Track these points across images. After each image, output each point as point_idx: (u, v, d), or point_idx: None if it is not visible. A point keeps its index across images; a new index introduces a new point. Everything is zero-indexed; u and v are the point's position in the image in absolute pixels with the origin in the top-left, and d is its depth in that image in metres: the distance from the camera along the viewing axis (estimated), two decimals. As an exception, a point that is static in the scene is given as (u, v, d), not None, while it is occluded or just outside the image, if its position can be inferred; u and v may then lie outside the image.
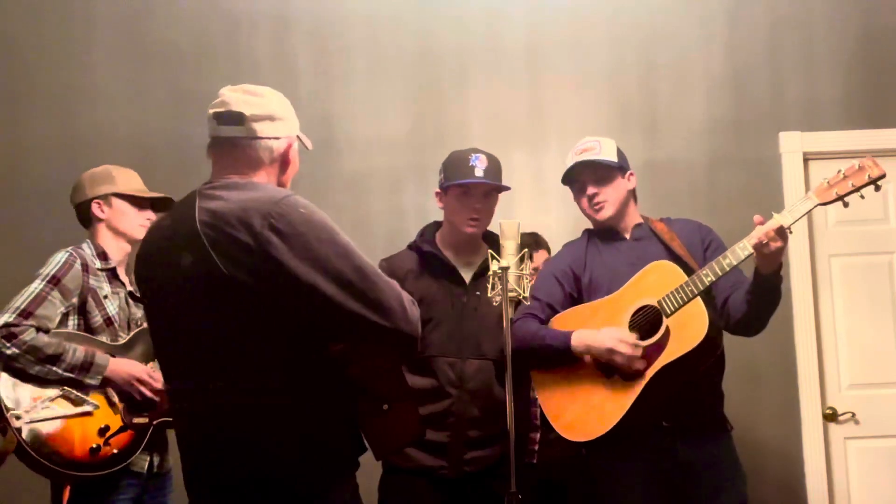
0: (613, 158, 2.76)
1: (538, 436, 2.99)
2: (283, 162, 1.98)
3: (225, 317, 1.81)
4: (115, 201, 2.84)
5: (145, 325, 2.84)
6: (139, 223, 2.85)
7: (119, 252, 2.85)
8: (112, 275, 2.82)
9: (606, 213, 2.77)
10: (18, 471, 2.58)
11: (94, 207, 2.84)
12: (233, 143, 1.94)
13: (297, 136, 2.03)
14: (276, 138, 1.95)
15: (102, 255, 2.81)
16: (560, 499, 3.01)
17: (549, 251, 3.33)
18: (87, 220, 2.88)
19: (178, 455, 2.79)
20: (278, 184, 1.98)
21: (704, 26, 3.78)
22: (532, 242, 3.29)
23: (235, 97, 1.94)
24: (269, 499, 1.82)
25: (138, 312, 2.86)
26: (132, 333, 2.79)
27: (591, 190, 2.77)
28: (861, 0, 3.75)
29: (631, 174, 2.81)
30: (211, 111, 1.96)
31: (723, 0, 3.78)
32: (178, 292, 1.87)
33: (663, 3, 3.80)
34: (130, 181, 2.88)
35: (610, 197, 2.76)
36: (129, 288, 2.86)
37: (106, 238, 2.84)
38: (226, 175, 1.94)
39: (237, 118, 1.92)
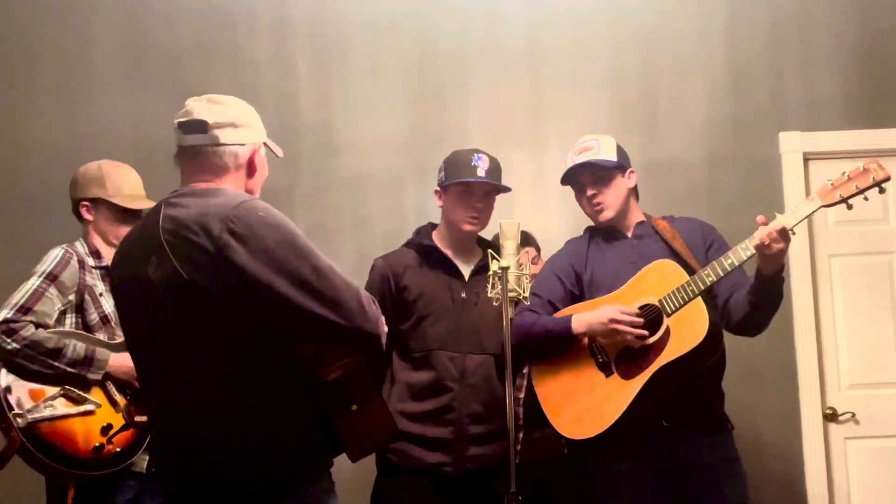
0: (613, 157, 2.76)
1: (521, 435, 2.99)
2: (250, 168, 2.02)
3: (188, 321, 1.85)
4: (103, 207, 2.83)
5: None
6: (125, 232, 2.84)
7: (109, 252, 2.82)
8: (106, 272, 2.80)
9: (607, 215, 2.77)
10: (16, 469, 2.58)
11: (82, 209, 2.84)
12: (197, 151, 1.98)
13: (265, 143, 2.07)
14: (241, 144, 2.00)
15: (96, 253, 2.81)
16: (543, 501, 3.00)
17: (537, 249, 3.34)
18: (79, 217, 2.88)
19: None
20: (246, 190, 2.02)
21: (704, 26, 3.78)
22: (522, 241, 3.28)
23: (198, 106, 1.99)
24: (238, 499, 1.85)
25: None
26: None
27: (590, 191, 2.77)
28: (861, 0, 3.75)
29: (631, 172, 2.81)
30: (175, 121, 2.00)
31: (723, 0, 3.78)
32: (143, 298, 1.91)
33: (663, 3, 3.80)
34: (122, 186, 2.85)
35: (610, 198, 2.76)
36: None
37: (96, 238, 2.84)
38: (192, 183, 1.98)
39: (200, 126, 1.96)
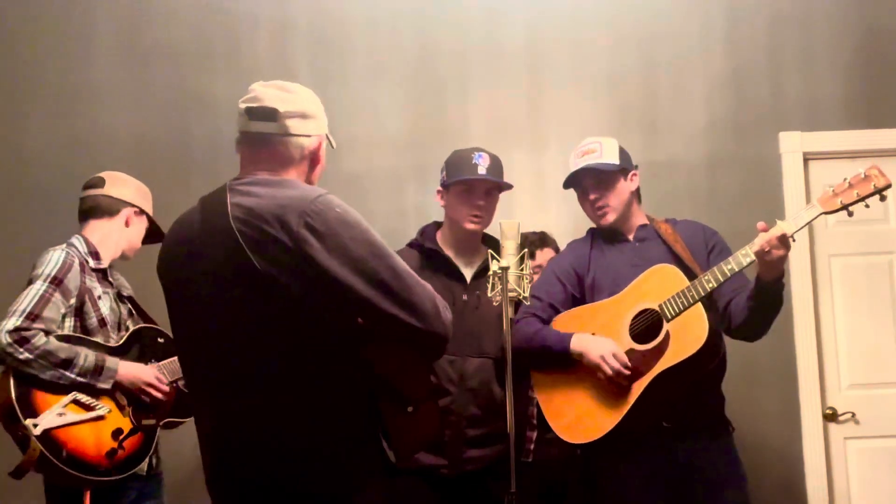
0: (615, 160, 2.75)
1: (535, 434, 2.99)
2: (313, 160, 1.97)
3: (257, 314, 1.79)
4: (144, 220, 2.89)
5: (139, 325, 2.84)
6: (137, 245, 2.90)
7: (109, 256, 2.83)
8: (102, 275, 2.79)
9: (609, 219, 2.77)
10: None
11: (131, 214, 2.84)
12: (264, 139, 1.91)
13: (326, 135, 2.01)
14: (308, 136, 1.93)
15: (94, 254, 2.77)
16: (558, 499, 3.01)
17: (556, 250, 3.34)
18: (95, 214, 2.82)
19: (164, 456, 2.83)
20: (306, 181, 1.95)
21: (704, 26, 3.78)
22: (538, 240, 3.28)
23: (268, 93, 1.92)
24: (294, 501, 1.81)
25: (125, 312, 2.84)
26: (126, 335, 2.78)
27: (593, 195, 2.76)
28: (861, 0, 3.75)
29: (634, 174, 2.81)
30: (242, 105, 1.93)
31: (723, 0, 3.78)
32: (208, 289, 1.84)
33: (663, 3, 3.80)
34: (151, 205, 2.93)
35: (612, 202, 2.75)
36: (116, 288, 2.85)
37: (105, 240, 2.81)
38: (256, 171, 1.91)
39: (270, 114, 1.89)
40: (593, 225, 2.87)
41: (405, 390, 1.92)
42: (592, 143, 2.78)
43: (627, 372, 2.53)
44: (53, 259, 2.66)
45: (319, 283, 1.76)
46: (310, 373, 1.80)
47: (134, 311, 2.88)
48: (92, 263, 2.76)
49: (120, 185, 2.85)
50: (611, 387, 2.58)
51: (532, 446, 2.99)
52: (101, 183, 2.84)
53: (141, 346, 2.79)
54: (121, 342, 2.75)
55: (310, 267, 1.75)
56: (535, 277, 3.04)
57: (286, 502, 1.81)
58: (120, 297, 2.84)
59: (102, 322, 2.73)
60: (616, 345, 2.58)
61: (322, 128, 1.99)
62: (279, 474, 1.80)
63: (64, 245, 2.74)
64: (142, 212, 2.87)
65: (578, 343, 2.62)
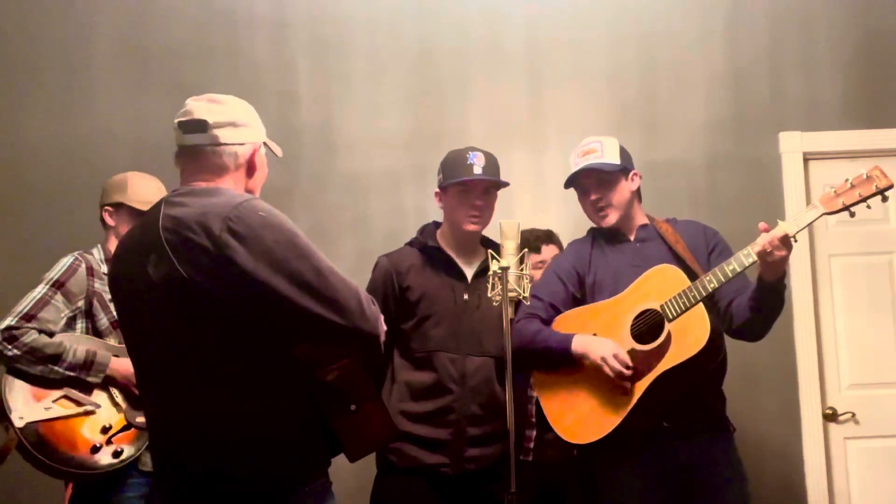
0: (616, 160, 2.75)
1: (534, 433, 2.99)
2: (249, 168, 2.02)
3: (187, 320, 1.85)
4: (124, 211, 2.87)
5: None
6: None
7: None
8: None
9: (611, 219, 2.76)
10: (19, 470, 2.60)
11: (105, 214, 2.89)
12: (197, 151, 1.98)
13: (265, 143, 2.07)
14: (241, 144, 2.00)
15: (107, 259, 2.84)
16: (557, 499, 3.01)
17: (560, 248, 3.34)
18: (103, 224, 2.93)
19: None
20: (246, 189, 2.01)
21: (704, 26, 3.78)
22: (544, 236, 3.27)
23: (198, 106, 1.99)
24: (236, 499, 1.85)
25: None
26: None
27: (594, 195, 2.76)
28: (861, 0, 3.74)
29: (635, 174, 2.81)
30: (175, 121, 2.00)
31: (723, 0, 3.78)
32: (143, 297, 1.91)
33: (663, 3, 3.80)
34: (142, 192, 2.88)
35: (613, 202, 2.75)
36: None
37: (114, 244, 2.84)
38: (192, 182, 1.98)
39: (200, 126, 1.96)
40: (594, 225, 2.87)
41: (343, 389, 1.96)
42: (593, 143, 2.78)
43: (629, 372, 2.53)
44: (60, 264, 2.78)
45: (244, 285, 1.81)
46: (242, 373, 1.85)
47: None
48: (104, 269, 2.82)
49: (102, 192, 2.92)
50: (612, 387, 2.58)
51: (531, 445, 2.99)
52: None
53: None
54: None
55: (234, 270, 1.80)
56: (539, 273, 3.04)
57: (226, 496, 1.86)
58: None
59: (115, 324, 2.78)
60: (618, 345, 2.58)
61: (257, 136, 2.05)
62: (215, 474, 1.86)
63: (78, 251, 2.83)
64: (118, 205, 2.87)
65: (580, 344, 2.62)
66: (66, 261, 2.78)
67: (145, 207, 2.82)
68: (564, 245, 3.15)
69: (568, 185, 2.83)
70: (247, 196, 1.91)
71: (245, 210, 1.84)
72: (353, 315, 1.86)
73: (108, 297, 2.78)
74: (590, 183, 2.77)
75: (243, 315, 1.83)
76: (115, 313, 2.73)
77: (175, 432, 1.91)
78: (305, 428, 1.91)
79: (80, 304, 2.76)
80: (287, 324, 1.86)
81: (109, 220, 2.88)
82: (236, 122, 1.99)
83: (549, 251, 3.25)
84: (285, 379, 1.89)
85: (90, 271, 2.79)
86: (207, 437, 1.86)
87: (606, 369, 2.54)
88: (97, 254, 2.86)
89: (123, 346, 2.72)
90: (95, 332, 2.77)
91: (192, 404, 1.87)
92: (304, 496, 1.90)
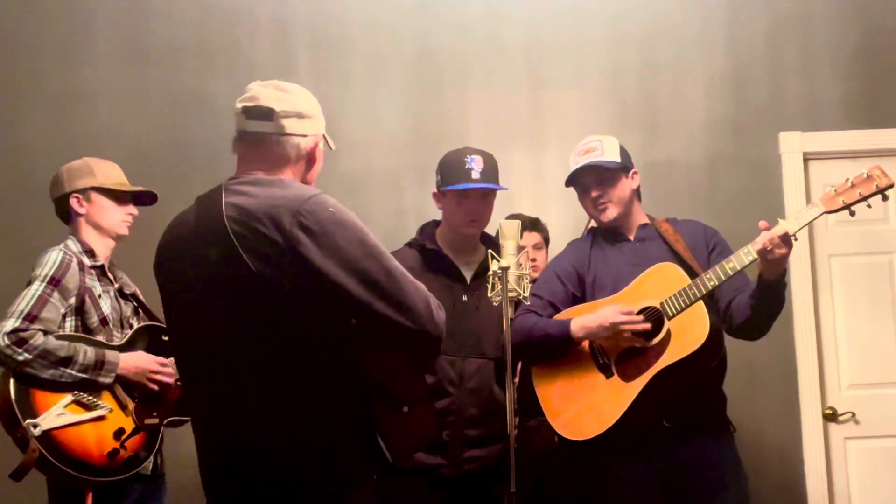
0: (616, 159, 2.75)
1: (517, 420, 2.98)
2: (310, 160, 1.98)
3: (250, 314, 1.80)
4: (95, 196, 2.78)
5: (142, 323, 2.83)
6: (120, 218, 2.81)
7: (105, 248, 2.80)
8: (101, 272, 2.78)
9: (611, 214, 2.76)
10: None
11: (73, 202, 2.78)
12: (260, 139, 1.92)
13: (323, 135, 2.01)
14: (304, 136, 1.94)
15: (90, 252, 2.76)
16: (540, 485, 3.00)
17: (545, 239, 3.33)
18: (66, 215, 2.82)
19: (168, 456, 2.82)
20: (303, 181, 1.96)
21: (704, 26, 3.78)
22: (528, 222, 3.26)
23: (265, 92, 1.93)
24: (287, 500, 1.81)
25: (129, 310, 2.84)
26: (129, 332, 2.77)
27: (594, 192, 2.76)
28: (861, 0, 3.75)
29: (635, 173, 2.81)
30: (239, 105, 1.94)
31: (723, 0, 3.78)
32: (201, 288, 1.85)
33: (663, 3, 3.80)
34: (110, 174, 2.82)
35: (614, 198, 2.75)
36: (117, 285, 2.82)
37: (89, 234, 2.78)
38: (252, 171, 1.92)
39: (266, 113, 1.91)
40: (594, 225, 2.87)
41: (399, 390, 1.92)
42: (593, 142, 2.78)
43: (641, 318, 2.52)
44: (51, 259, 2.66)
45: (312, 282, 1.77)
46: (299, 371, 1.81)
47: (140, 310, 2.87)
48: (88, 262, 2.74)
49: (54, 183, 2.84)
50: (611, 384, 2.58)
51: (516, 431, 2.97)
52: (51, 188, 2.85)
53: (144, 344, 2.78)
54: (123, 340, 2.74)
55: (302, 266, 1.76)
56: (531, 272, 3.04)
57: (275, 497, 1.81)
58: (123, 295, 2.83)
59: (104, 321, 2.72)
60: (612, 305, 2.57)
61: (319, 128, 1.99)
62: (267, 469, 1.81)
63: (61, 245, 2.73)
64: (85, 191, 2.79)
65: (579, 326, 2.61)
66: (56, 256, 2.66)
67: (122, 188, 2.80)
68: (560, 244, 3.14)
69: (568, 183, 2.83)
70: (315, 190, 1.85)
71: (316, 205, 1.80)
72: (421, 318, 1.84)
73: (97, 292, 2.72)
74: (590, 181, 2.77)
75: (309, 311, 1.79)
76: (103, 310, 2.70)
77: (223, 427, 1.86)
78: (358, 430, 1.86)
79: (73, 301, 2.65)
80: (356, 323, 1.82)
81: (79, 208, 2.77)
82: (302, 113, 1.94)
83: (530, 238, 3.24)
84: (341, 378, 1.84)
85: (80, 266, 2.69)
86: (257, 434, 1.81)
87: (625, 332, 2.52)
88: (74, 246, 2.74)
89: (117, 343, 2.70)
90: (86, 329, 2.68)
91: (243, 400, 1.82)
92: (351, 501, 1.85)
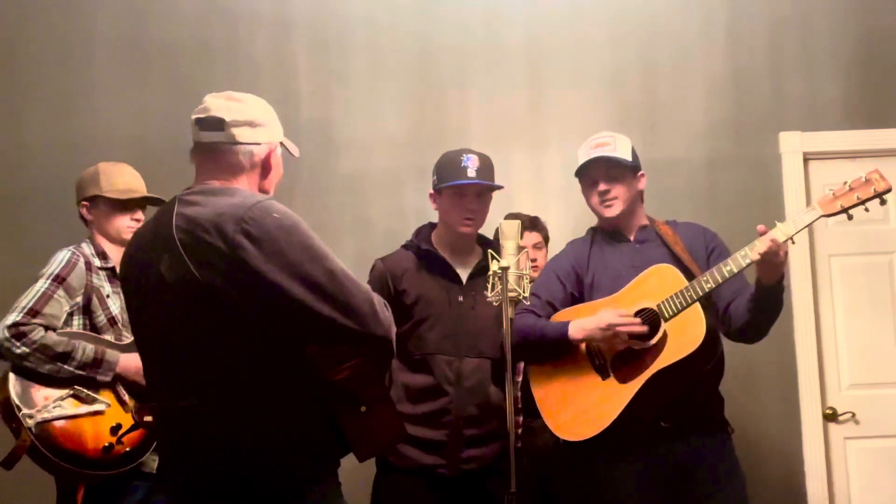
0: (628, 157, 2.75)
1: (521, 419, 2.99)
2: (265, 167, 2.01)
3: (200, 320, 1.85)
4: (101, 203, 2.84)
5: None
6: (126, 225, 2.84)
7: (115, 252, 2.84)
8: (112, 274, 2.82)
9: (615, 210, 2.76)
10: (24, 470, 2.58)
11: (82, 210, 2.86)
12: (213, 149, 1.96)
13: (281, 143, 2.05)
14: (257, 144, 1.98)
15: (102, 254, 2.82)
16: (543, 486, 3.00)
17: (545, 238, 3.33)
18: (84, 220, 2.90)
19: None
20: (260, 189, 2.00)
21: (704, 26, 3.78)
22: (528, 221, 3.26)
23: (216, 103, 1.97)
24: (247, 499, 1.85)
25: None
26: None
27: (602, 186, 2.75)
28: (861, 0, 3.74)
29: (642, 175, 2.81)
30: (193, 117, 1.99)
31: (723, 0, 3.78)
32: (155, 296, 1.90)
33: (663, 3, 3.80)
34: (116, 181, 2.85)
35: (620, 195, 2.75)
36: None
37: (100, 238, 2.85)
38: (206, 180, 1.96)
39: (217, 124, 1.95)
40: (593, 224, 2.87)
41: (356, 391, 1.95)
42: (606, 137, 2.78)
43: (639, 320, 2.52)
44: (59, 258, 2.72)
45: (257, 288, 1.80)
46: (252, 373, 1.85)
47: None
48: (99, 263, 2.80)
49: (75, 190, 2.90)
50: (608, 385, 2.58)
51: (519, 431, 2.98)
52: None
53: None
54: (130, 341, 2.76)
55: (246, 272, 1.80)
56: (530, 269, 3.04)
57: (235, 494, 1.85)
58: None
59: (112, 320, 2.76)
60: (610, 309, 2.57)
61: (273, 135, 2.03)
62: (224, 472, 1.85)
63: (73, 246, 2.79)
64: (93, 198, 2.84)
65: (576, 329, 2.61)
66: (63, 255, 2.73)
67: (123, 196, 2.83)
68: (560, 244, 3.14)
69: (578, 173, 2.81)
70: (262, 197, 1.89)
71: (259, 211, 1.83)
72: (365, 319, 1.86)
73: (105, 292, 2.77)
74: (599, 174, 2.76)
75: (256, 317, 1.83)
76: (112, 310, 2.75)
77: (183, 432, 1.90)
78: (316, 428, 1.90)
79: (79, 299, 2.71)
80: (300, 326, 1.85)
81: (87, 215, 2.85)
82: (254, 122, 1.98)
83: (530, 238, 3.24)
84: (297, 380, 1.88)
85: (88, 266, 2.75)
86: (216, 437, 1.85)
87: (621, 330, 2.52)
88: (88, 248, 2.82)
89: (123, 342, 2.73)
90: (93, 328, 2.74)
91: (201, 404, 1.86)
92: (313, 497, 1.89)
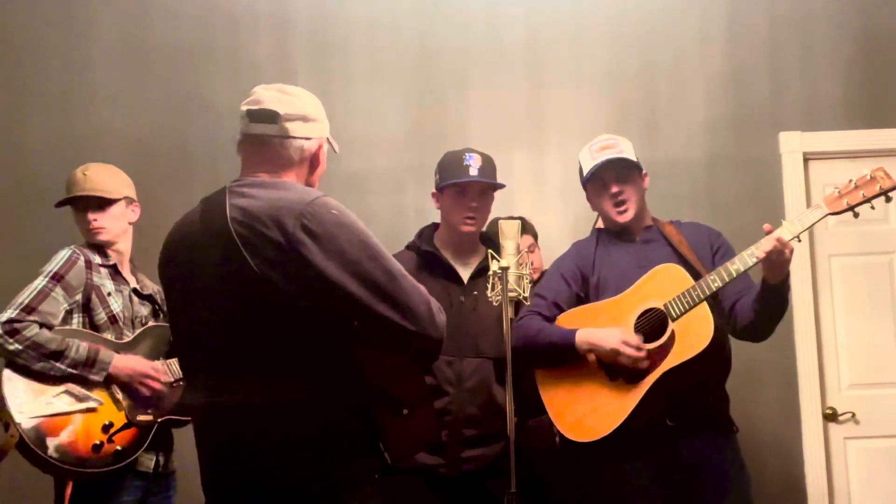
0: (633, 158, 2.75)
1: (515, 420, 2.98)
2: (313, 163, 1.99)
3: (252, 314, 1.82)
4: (81, 203, 2.82)
5: (151, 323, 2.86)
6: (85, 227, 2.83)
7: (115, 253, 2.85)
8: (114, 271, 2.82)
9: (629, 215, 2.75)
10: (23, 467, 2.58)
11: (74, 213, 2.86)
12: (264, 142, 1.94)
13: (327, 138, 2.03)
14: (308, 138, 1.96)
15: (102, 253, 2.82)
16: (539, 486, 3.00)
17: (535, 236, 3.32)
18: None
19: (183, 455, 2.83)
20: (306, 184, 1.98)
21: (704, 26, 3.78)
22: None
23: (269, 95, 1.95)
24: (287, 500, 1.82)
25: (143, 310, 2.87)
26: (138, 331, 2.80)
27: (615, 188, 2.74)
28: (861, 0, 3.75)
29: (646, 174, 2.81)
30: (244, 108, 1.96)
31: (723, 0, 3.78)
32: (205, 289, 1.87)
33: (663, 3, 3.80)
34: (72, 185, 2.83)
35: (632, 197, 2.74)
36: (134, 285, 2.86)
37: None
38: (255, 173, 1.94)
39: (270, 116, 1.93)
40: (592, 224, 2.86)
41: (399, 393, 1.93)
42: (610, 140, 2.78)
43: (643, 354, 2.52)
44: (58, 257, 2.73)
45: (314, 284, 1.78)
46: (300, 372, 1.82)
47: (161, 311, 2.91)
48: (99, 260, 2.79)
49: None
50: (616, 386, 2.58)
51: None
52: None
53: (149, 345, 2.79)
54: (130, 339, 2.77)
55: (305, 268, 1.78)
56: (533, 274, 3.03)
57: (275, 498, 1.82)
58: (140, 295, 2.87)
59: (113, 318, 2.76)
60: (623, 329, 2.57)
61: (323, 131, 2.01)
62: (267, 469, 1.82)
63: (74, 245, 2.79)
64: (64, 203, 2.84)
65: (584, 338, 2.61)
66: (64, 253, 2.73)
67: (105, 195, 2.79)
68: (559, 244, 3.14)
69: (589, 177, 2.78)
70: (318, 193, 1.88)
71: (319, 207, 1.81)
72: (422, 321, 1.85)
73: (106, 290, 2.76)
74: (609, 176, 2.75)
75: (310, 313, 1.80)
76: (112, 308, 2.75)
77: (228, 432, 1.86)
78: (360, 432, 1.87)
79: (78, 297, 2.71)
80: (357, 325, 1.83)
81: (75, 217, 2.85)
82: (307, 116, 1.96)
83: (523, 242, 3.23)
84: (342, 380, 1.85)
85: (88, 264, 2.75)
86: (260, 435, 1.82)
87: (623, 359, 2.53)
88: (87, 246, 2.81)
89: (121, 342, 2.73)
90: (93, 326, 2.73)
91: (244, 400, 1.83)
92: (354, 501, 1.86)
